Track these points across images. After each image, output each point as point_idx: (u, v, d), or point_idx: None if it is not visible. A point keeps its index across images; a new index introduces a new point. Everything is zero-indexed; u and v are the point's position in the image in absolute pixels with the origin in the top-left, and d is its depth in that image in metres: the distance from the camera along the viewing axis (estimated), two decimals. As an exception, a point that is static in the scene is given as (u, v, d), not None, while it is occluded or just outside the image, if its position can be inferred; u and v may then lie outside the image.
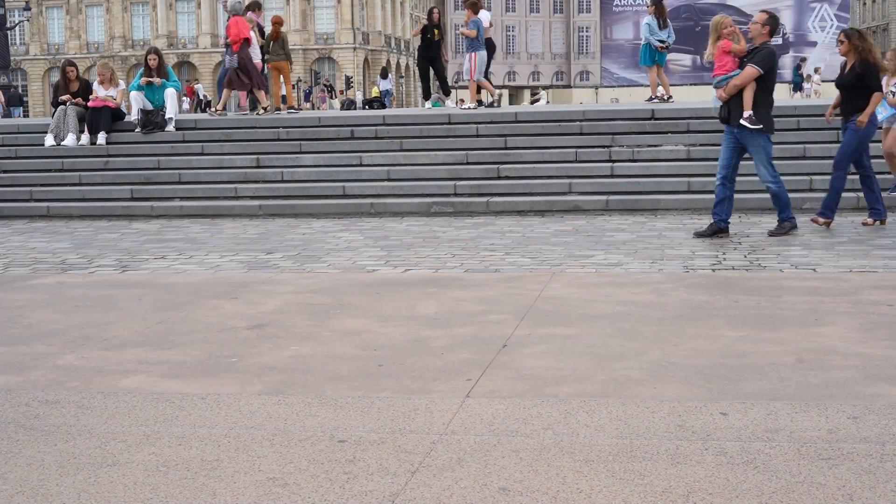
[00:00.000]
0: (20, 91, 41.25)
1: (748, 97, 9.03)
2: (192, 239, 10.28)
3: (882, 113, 10.12)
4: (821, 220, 9.65)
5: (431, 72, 18.05)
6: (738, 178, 11.87)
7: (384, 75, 37.58)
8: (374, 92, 51.35)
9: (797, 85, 35.70)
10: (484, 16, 16.79)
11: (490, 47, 17.12)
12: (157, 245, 9.87)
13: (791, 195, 11.29)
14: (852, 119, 9.55)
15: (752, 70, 8.99)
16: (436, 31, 17.70)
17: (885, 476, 3.32)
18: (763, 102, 9.10)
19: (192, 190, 13.01)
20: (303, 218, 11.85)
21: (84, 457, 3.71)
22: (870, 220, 9.74)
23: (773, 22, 9.24)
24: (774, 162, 12.09)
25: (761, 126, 9.07)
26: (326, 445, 3.76)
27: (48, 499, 3.33)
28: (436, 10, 18.65)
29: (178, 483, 3.43)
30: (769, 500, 3.15)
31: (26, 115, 50.32)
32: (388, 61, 78.52)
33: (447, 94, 18.56)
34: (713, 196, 11.45)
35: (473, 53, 16.18)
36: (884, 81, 10.00)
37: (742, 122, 9.07)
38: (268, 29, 17.45)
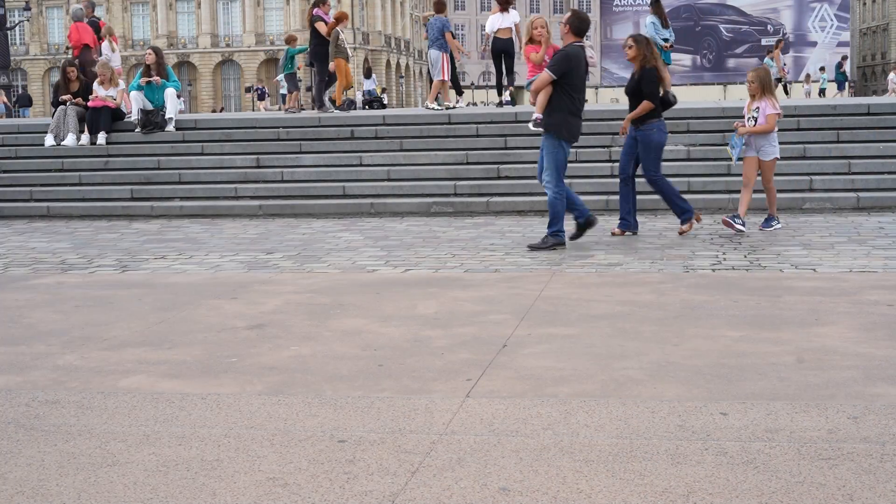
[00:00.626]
0: (27, 92, 41.34)
1: (541, 101, 8.86)
2: (192, 239, 10.28)
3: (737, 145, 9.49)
4: (684, 227, 9.43)
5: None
6: (738, 178, 11.88)
7: (367, 75, 37.47)
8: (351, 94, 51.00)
9: (840, 83, 35.54)
10: (492, 19, 16.67)
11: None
12: (157, 245, 9.87)
13: (791, 195, 11.35)
14: (640, 128, 9.36)
15: (544, 75, 8.76)
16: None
17: (885, 476, 3.32)
18: (561, 107, 8.75)
19: (192, 190, 13.01)
20: (303, 218, 11.85)
21: (84, 457, 3.71)
22: (618, 231, 9.52)
23: (575, 21, 8.87)
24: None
25: (550, 129, 8.78)
26: (326, 445, 3.76)
27: (48, 499, 3.33)
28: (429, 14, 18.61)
29: (178, 483, 3.43)
30: (769, 500, 3.15)
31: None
32: (388, 61, 78.52)
33: (459, 93, 18.48)
34: (713, 196, 11.52)
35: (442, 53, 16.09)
36: (745, 106, 9.67)
37: (529, 123, 9.07)
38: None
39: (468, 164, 12.87)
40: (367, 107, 25.74)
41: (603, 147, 12.84)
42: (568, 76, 8.71)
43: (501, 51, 16.39)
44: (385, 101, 31.56)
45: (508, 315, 6.04)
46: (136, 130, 14.34)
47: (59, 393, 4.59)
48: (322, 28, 16.47)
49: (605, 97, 68.58)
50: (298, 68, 19.41)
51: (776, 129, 9.48)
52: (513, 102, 16.83)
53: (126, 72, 66.16)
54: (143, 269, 8.44)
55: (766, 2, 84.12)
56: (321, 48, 16.60)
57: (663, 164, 12.32)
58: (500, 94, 16.85)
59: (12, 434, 4.01)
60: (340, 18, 16.72)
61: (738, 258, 8.11)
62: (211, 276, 8.02)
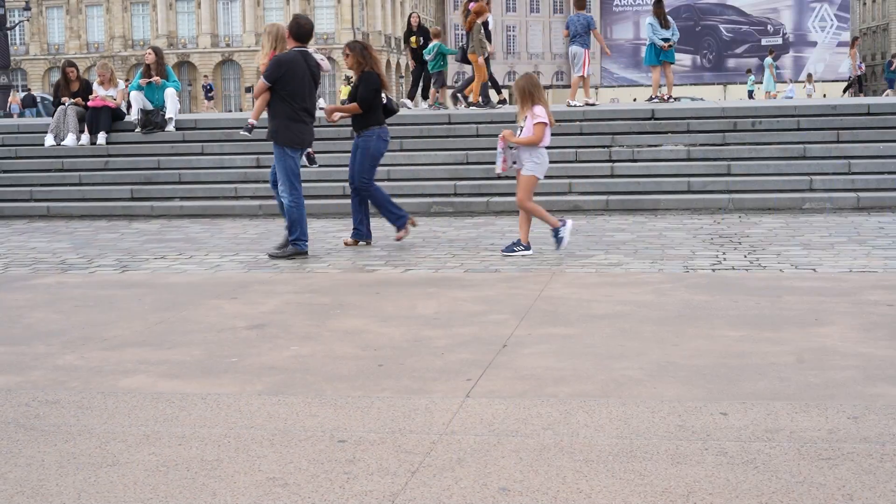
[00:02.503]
0: (32, 94, 41.46)
1: (256, 107, 8.91)
2: (192, 239, 10.28)
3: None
4: (399, 233, 9.38)
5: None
6: (739, 178, 11.92)
7: None
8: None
9: (891, 81, 35.46)
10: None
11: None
12: (157, 245, 9.87)
13: (791, 195, 11.35)
14: (361, 134, 9.28)
15: (260, 82, 8.78)
16: (412, 39, 17.64)
17: (885, 476, 3.32)
18: (279, 114, 8.70)
19: (193, 190, 13.01)
20: (303, 218, 11.83)
21: (84, 457, 3.71)
22: (350, 241, 9.40)
23: (294, 27, 8.87)
24: (775, 162, 12.16)
25: (272, 136, 8.76)
26: (326, 445, 3.76)
27: (48, 499, 3.33)
28: (414, 16, 18.52)
29: (178, 483, 3.43)
30: (769, 500, 3.15)
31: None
32: (388, 61, 78.50)
33: (424, 97, 18.39)
34: (713, 196, 11.52)
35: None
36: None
37: (241, 129, 9.13)
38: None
39: (468, 164, 12.87)
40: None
41: (603, 147, 12.85)
42: (283, 82, 8.67)
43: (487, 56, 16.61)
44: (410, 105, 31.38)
45: (508, 315, 6.04)
46: (136, 130, 14.34)
47: (59, 393, 4.59)
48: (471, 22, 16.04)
49: (605, 97, 68.57)
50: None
51: (544, 142, 8.52)
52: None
53: (126, 72, 66.29)
54: (143, 269, 8.44)
55: (766, 2, 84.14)
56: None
57: (663, 163, 12.40)
58: (499, 92, 16.99)
59: (12, 434, 4.01)
60: (480, 12, 16.03)
61: (739, 258, 8.11)
62: (211, 276, 8.02)
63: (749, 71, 45.09)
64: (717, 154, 12.47)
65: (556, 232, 8.60)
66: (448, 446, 3.72)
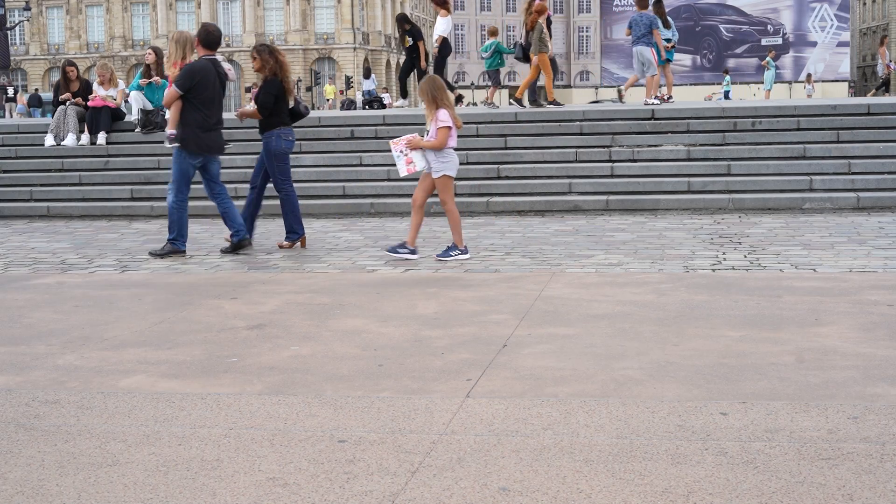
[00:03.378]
0: (38, 94, 41.55)
1: (172, 116, 9.01)
2: (192, 239, 10.27)
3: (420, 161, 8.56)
4: (285, 243, 9.37)
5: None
6: (738, 178, 11.92)
7: (367, 75, 37.35)
8: (329, 93, 50.91)
9: None
10: (446, 22, 16.78)
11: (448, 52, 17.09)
12: (157, 245, 9.86)
13: (791, 195, 11.35)
14: (263, 135, 9.36)
15: (170, 90, 8.94)
16: (406, 39, 17.66)
17: (886, 476, 3.32)
18: (190, 122, 8.88)
19: (193, 190, 12.93)
20: (303, 218, 11.82)
21: (84, 457, 3.71)
22: (286, 243, 9.41)
23: (203, 34, 9.06)
24: (775, 162, 12.17)
25: (181, 143, 8.94)
26: (326, 445, 3.76)
27: (48, 499, 3.33)
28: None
29: (178, 483, 3.43)
30: (769, 500, 3.15)
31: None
32: (388, 61, 78.51)
33: (404, 96, 18.41)
34: (713, 196, 11.52)
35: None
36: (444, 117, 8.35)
37: (164, 141, 9.20)
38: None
39: (468, 164, 12.86)
40: (366, 107, 25.64)
41: (603, 147, 12.85)
42: (195, 91, 8.83)
43: (449, 53, 16.81)
44: (386, 102, 31.41)
45: (508, 315, 6.04)
46: (136, 130, 14.34)
47: (59, 393, 4.59)
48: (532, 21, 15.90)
49: (605, 97, 68.54)
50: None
51: (450, 144, 8.36)
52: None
53: (126, 72, 66.30)
54: (143, 269, 8.44)
55: (766, 2, 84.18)
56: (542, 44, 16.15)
57: (663, 163, 12.40)
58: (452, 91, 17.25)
59: (12, 434, 4.01)
60: (541, 11, 15.80)
61: (738, 258, 8.11)
62: (211, 276, 8.02)
63: (726, 71, 45.24)
64: (717, 154, 12.47)
65: (405, 245, 8.49)
66: (448, 446, 3.72)
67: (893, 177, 11.64)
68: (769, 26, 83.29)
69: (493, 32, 17.73)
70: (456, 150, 8.52)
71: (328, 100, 51.40)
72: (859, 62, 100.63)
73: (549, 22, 16.12)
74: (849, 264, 7.69)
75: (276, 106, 9.24)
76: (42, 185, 13.52)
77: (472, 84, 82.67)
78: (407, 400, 4.33)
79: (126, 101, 14.91)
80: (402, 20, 18.00)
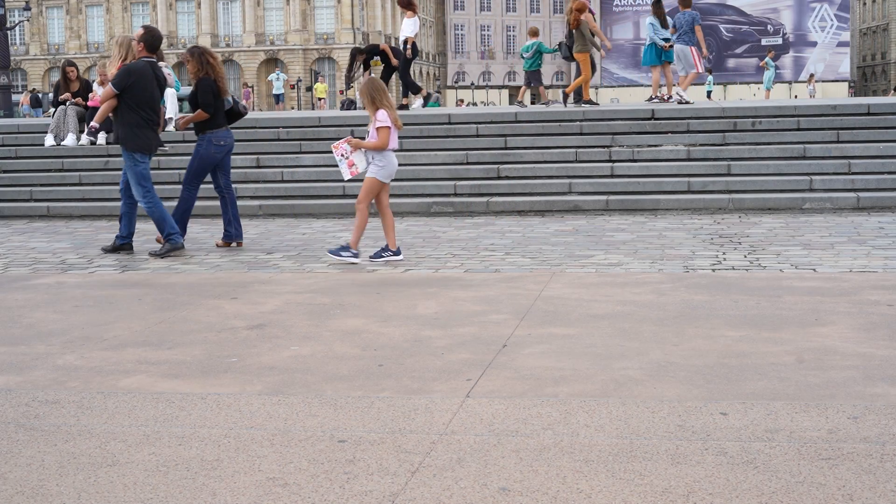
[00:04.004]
0: (35, 93, 41.57)
1: (100, 112, 9.28)
2: (191, 239, 10.28)
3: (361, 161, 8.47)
4: (164, 247, 9.18)
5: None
6: (739, 178, 11.92)
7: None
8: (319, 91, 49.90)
9: None
10: (412, 23, 16.80)
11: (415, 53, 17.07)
12: (157, 245, 9.86)
13: (791, 195, 11.36)
14: (199, 136, 9.52)
15: (107, 89, 9.12)
16: (371, 62, 17.66)
17: (886, 476, 3.32)
18: (126, 121, 9.01)
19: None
20: (303, 218, 11.85)
21: (84, 457, 3.71)
22: (222, 242, 9.55)
23: (147, 37, 9.15)
24: (775, 162, 12.17)
25: (120, 142, 9.13)
26: (326, 445, 3.76)
27: (48, 499, 3.33)
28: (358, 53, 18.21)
29: (178, 483, 3.43)
30: (769, 500, 3.15)
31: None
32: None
33: (415, 92, 18.37)
34: (713, 196, 11.53)
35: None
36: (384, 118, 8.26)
37: (85, 134, 9.39)
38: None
39: (468, 164, 12.88)
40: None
41: (603, 147, 12.85)
42: (132, 91, 8.98)
43: (416, 55, 16.83)
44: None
45: (508, 315, 6.04)
46: (136, 130, 14.33)
47: (59, 393, 4.59)
48: (587, 20, 15.80)
49: (606, 97, 68.66)
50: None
51: (390, 146, 8.30)
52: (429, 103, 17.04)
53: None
54: (143, 269, 8.44)
55: (766, 2, 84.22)
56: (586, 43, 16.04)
57: (663, 163, 12.40)
58: (416, 93, 17.24)
59: (12, 434, 4.01)
60: (580, 9, 15.66)
61: (738, 258, 8.11)
62: (211, 276, 8.02)
63: (709, 71, 45.21)
64: (717, 154, 12.48)
65: (347, 248, 8.39)
66: (448, 446, 3.72)
67: (893, 177, 11.65)
68: (769, 26, 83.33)
69: (534, 33, 17.74)
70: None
71: (320, 99, 50.28)
72: (859, 62, 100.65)
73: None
74: (849, 264, 7.69)
75: (216, 105, 9.41)
76: (42, 184, 13.52)
77: (472, 84, 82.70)
78: (407, 400, 4.33)
79: None
80: (354, 53, 17.86)
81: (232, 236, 9.63)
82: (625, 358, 4.95)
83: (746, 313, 5.92)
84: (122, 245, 9.37)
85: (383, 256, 8.37)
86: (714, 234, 9.49)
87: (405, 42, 16.91)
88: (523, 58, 17.66)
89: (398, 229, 10.53)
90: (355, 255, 8.31)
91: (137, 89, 8.98)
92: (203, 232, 10.88)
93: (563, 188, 12.06)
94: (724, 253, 8.39)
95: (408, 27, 16.87)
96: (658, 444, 3.67)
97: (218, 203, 12.54)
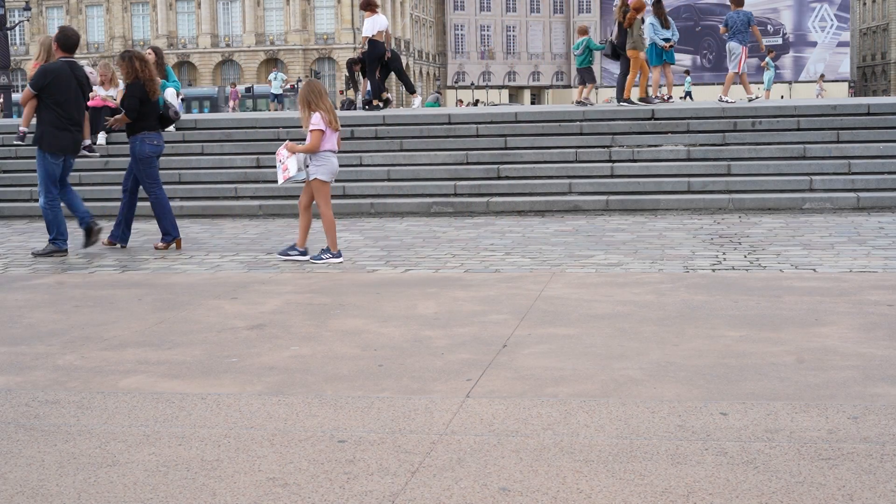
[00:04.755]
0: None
1: (25, 114, 9.48)
2: (191, 239, 10.28)
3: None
4: (160, 244, 9.51)
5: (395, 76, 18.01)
6: (738, 178, 11.92)
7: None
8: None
9: None
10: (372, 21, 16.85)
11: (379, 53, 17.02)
12: (157, 243, 9.86)
13: (791, 195, 11.36)
14: (131, 138, 9.52)
15: (26, 90, 9.27)
16: (355, 67, 17.81)
17: (886, 476, 3.32)
18: (44, 121, 9.14)
19: (192, 190, 13.01)
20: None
21: (84, 457, 3.71)
22: (161, 245, 9.53)
23: (61, 38, 9.29)
24: (775, 162, 12.17)
25: (35, 141, 9.21)
26: (326, 445, 3.76)
27: (48, 499, 3.33)
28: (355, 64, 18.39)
29: (177, 483, 3.43)
30: (769, 500, 3.15)
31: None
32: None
33: (411, 92, 18.40)
34: (713, 196, 11.52)
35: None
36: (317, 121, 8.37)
37: (14, 139, 9.48)
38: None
39: (468, 164, 12.87)
40: (366, 107, 25.68)
41: (603, 147, 12.85)
42: (49, 91, 9.09)
43: (382, 54, 16.78)
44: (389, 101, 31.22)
45: (508, 315, 6.04)
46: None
47: (59, 393, 4.59)
48: (630, 18, 15.70)
49: (606, 97, 68.63)
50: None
51: (325, 147, 8.41)
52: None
53: (126, 72, 66.26)
54: (143, 269, 8.44)
55: (766, 2, 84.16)
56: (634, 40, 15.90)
57: (664, 163, 12.40)
58: (382, 93, 17.19)
59: (12, 434, 4.01)
60: (639, 8, 15.65)
61: (739, 258, 8.11)
62: (211, 276, 8.02)
63: (687, 72, 45.11)
64: (717, 154, 12.48)
65: (294, 247, 8.63)
66: (448, 446, 3.72)
67: (893, 177, 11.64)
68: (769, 26, 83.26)
69: (584, 31, 17.76)
70: (338, 153, 8.65)
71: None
72: (859, 62, 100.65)
73: (643, 19, 16.01)
74: (849, 264, 7.69)
75: (143, 110, 9.43)
76: (42, 185, 13.50)
77: (472, 84, 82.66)
78: (407, 400, 4.33)
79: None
80: (350, 64, 18.15)
81: (117, 237, 9.70)
82: (625, 358, 4.95)
83: (746, 313, 5.92)
84: (56, 249, 9.30)
85: (323, 258, 8.48)
86: (714, 234, 9.49)
87: (364, 42, 17.04)
88: (575, 55, 17.70)
89: (398, 229, 10.54)
90: (336, 256, 8.49)
91: (55, 89, 9.07)
92: (203, 232, 10.88)
93: (563, 188, 12.06)
94: (724, 253, 8.39)
95: (366, 27, 16.94)
96: (658, 444, 3.67)
97: (217, 204, 12.56)
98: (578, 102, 16.44)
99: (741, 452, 3.56)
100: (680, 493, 3.21)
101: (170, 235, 9.55)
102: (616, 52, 15.99)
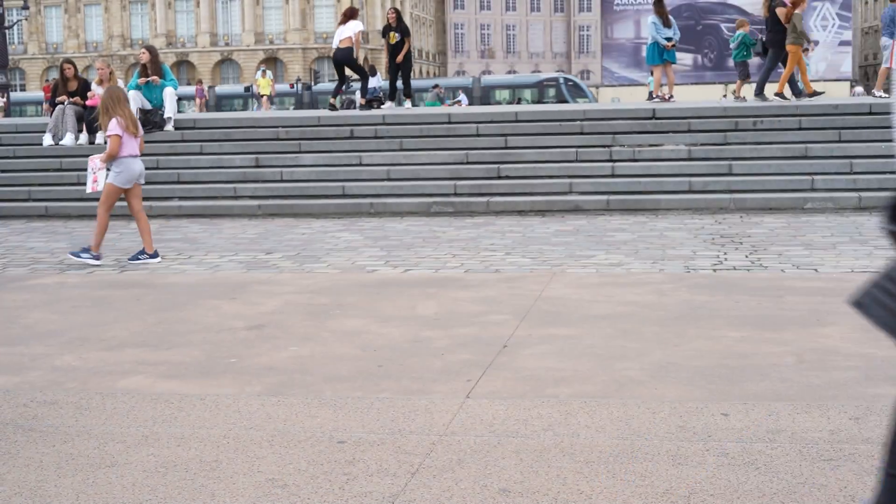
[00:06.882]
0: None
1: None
2: (191, 239, 10.27)
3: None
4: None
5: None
6: (739, 178, 11.90)
7: (373, 73, 37.27)
8: (263, 86, 43.59)
9: None
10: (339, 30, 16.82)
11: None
12: (156, 245, 9.83)
13: (793, 195, 11.34)
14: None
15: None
16: (392, 35, 17.66)
17: (888, 477, 3.30)
18: None
19: (191, 190, 12.99)
20: (302, 218, 11.83)
21: (82, 458, 3.70)
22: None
23: None
24: (776, 162, 12.16)
25: None
26: (326, 446, 3.75)
27: (46, 499, 3.31)
28: (391, 11, 18.48)
29: (176, 484, 3.41)
30: (770, 500, 3.13)
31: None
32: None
33: (407, 95, 18.29)
34: (715, 196, 11.50)
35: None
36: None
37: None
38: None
39: (468, 164, 12.85)
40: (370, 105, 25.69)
41: (603, 147, 12.83)
42: None
43: (342, 60, 16.72)
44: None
45: (509, 315, 6.02)
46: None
47: (57, 393, 4.57)
48: (781, 13, 15.67)
49: (606, 97, 68.60)
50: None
51: (125, 152, 8.73)
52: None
53: (125, 71, 66.25)
54: (141, 270, 8.42)
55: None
56: (778, 35, 15.52)
57: (664, 163, 12.37)
58: (335, 97, 17.33)
59: (10, 435, 3.99)
60: (797, 3, 15.33)
61: (740, 258, 8.09)
62: (210, 276, 8.00)
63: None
64: (718, 154, 12.46)
65: (88, 250, 8.69)
66: (448, 447, 3.70)
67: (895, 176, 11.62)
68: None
69: (741, 25, 17.79)
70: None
71: (263, 96, 39.99)
72: (861, 61, 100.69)
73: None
74: (851, 264, 7.67)
75: None
76: (40, 184, 13.49)
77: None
78: (407, 401, 4.31)
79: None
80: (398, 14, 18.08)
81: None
82: (625, 358, 4.93)
83: (748, 314, 5.90)
84: None
85: (140, 259, 8.69)
86: (715, 234, 9.48)
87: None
88: (731, 49, 17.73)
89: (398, 229, 10.52)
90: (96, 258, 8.61)
91: None
92: (202, 232, 10.86)
93: (564, 188, 12.04)
94: (725, 253, 8.37)
95: (337, 36, 16.86)
96: (659, 444, 3.66)
97: (216, 203, 12.54)
98: (736, 97, 16.45)
99: (742, 453, 3.54)
100: (681, 494, 3.20)
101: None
102: (766, 49, 15.98)
